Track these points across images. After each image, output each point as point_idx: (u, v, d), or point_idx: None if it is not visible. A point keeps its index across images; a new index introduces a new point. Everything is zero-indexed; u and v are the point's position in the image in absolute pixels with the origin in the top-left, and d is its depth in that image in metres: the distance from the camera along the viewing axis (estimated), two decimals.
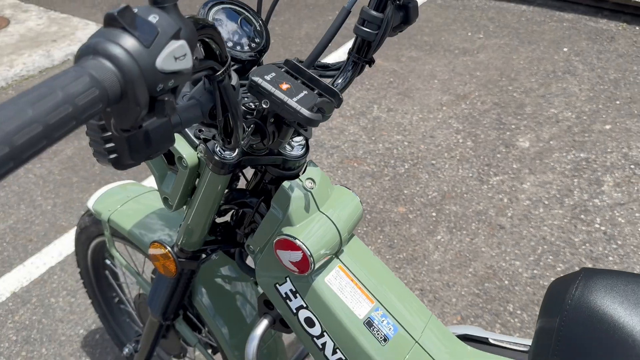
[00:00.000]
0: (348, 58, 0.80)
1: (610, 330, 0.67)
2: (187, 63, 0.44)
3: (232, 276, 1.15)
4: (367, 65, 0.80)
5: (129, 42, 0.41)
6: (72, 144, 2.66)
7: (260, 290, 1.12)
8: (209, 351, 1.28)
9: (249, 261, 0.96)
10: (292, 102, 0.64)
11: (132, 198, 1.21)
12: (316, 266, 0.81)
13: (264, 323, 0.92)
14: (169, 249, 0.94)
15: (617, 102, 2.95)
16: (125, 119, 0.43)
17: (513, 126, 2.77)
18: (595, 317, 0.67)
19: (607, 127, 2.76)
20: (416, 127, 2.78)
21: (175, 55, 0.43)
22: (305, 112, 0.64)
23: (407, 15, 0.81)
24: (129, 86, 0.40)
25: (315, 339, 0.86)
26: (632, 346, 0.66)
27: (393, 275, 0.91)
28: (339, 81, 0.80)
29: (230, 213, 0.96)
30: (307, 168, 0.84)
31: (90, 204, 1.23)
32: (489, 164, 2.51)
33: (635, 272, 1.04)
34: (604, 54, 3.43)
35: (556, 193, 2.33)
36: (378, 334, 0.84)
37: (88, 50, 0.41)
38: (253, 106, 0.70)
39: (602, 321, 0.66)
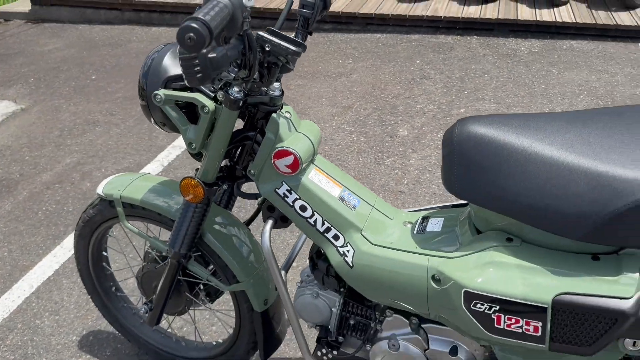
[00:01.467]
0: (296, 31, 1.26)
1: (498, 148, 1.07)
2: (252, 3, 0.90)
3: (226, 223, 1.53)
4: (308, 34, 1.28)
5: None
6: (7, 200, 2.82)
7: (257, 236, 1.52)
8: (207, 298, 1.62)
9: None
10: (284, 43, 1.10)
11: (135, 179, 1.55)
12: (303, 166, 1.25)
13: (269, 223, 1.33)
14: (198, 179, 1.31)
15: (466, 92, 3.72)
16: (231, 30, 0.87)
17: (392, 121, 3.40)
18: (482, 139, 1.09)
19: (462, 110, 3.49)
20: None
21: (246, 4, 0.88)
22: (292, 47, 1.09)
23: (325, 3, 1.30)
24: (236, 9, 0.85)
25: (308, 219, 1.29)
26: (521, 156, 1.09)
27: (348, 175, 1.36)
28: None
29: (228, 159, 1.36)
30: (283, 106, 1.28)
31: (99, 190, 1.55)
32: (381, 151, 3.08)
33: None
34: (448, 60, 4.25)
35: (435, 161, 2.95)
36: (348, 205, 1.28)
37: None
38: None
39: (489, 142, 1.08)
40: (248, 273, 1.48)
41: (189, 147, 1.29)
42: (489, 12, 4.77)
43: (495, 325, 1.10)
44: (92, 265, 1.77)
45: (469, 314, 1.12)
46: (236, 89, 1.17)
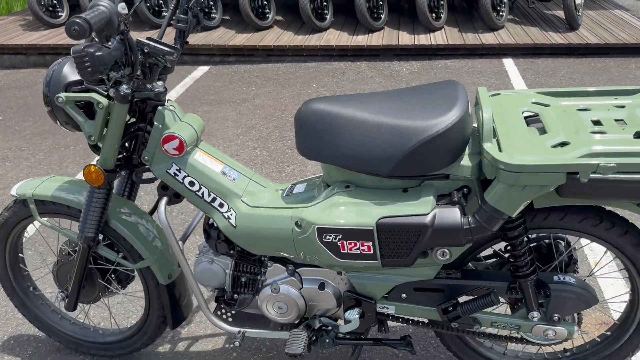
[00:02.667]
0: (175, 41, 1.57)
1: (331, 118, 1.39)
2: (125, 11, 1.20)
3: (130, 211, 1.77)
4: (185, 43, 1.59)
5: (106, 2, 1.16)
6: None
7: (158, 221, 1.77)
8: (118, 284, 1.85)
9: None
10: (159, 46, 1.40)
11: (45, 180, 1.77)
12: (188, 148, 1.54)
13: (164, 200, 1.60)
14: (99, 166, 1.56)
15: None
16: (109, 29, 1.17)
17: (292, 137, 3.76)
18: (320, 113, 1.41)
19: None
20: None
21: (121, 11, 1.18)
22: (166, 49, 1.40)
23: (198, 19, 1.63)
24: (112, 14, 1.15)
25: (196, 192, 1.57)
26: (346, 121, 1.41)
27: (229, 158, 1.67)
28: (174, 55, 1.57)
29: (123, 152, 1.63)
30: (167, 101, 1.58)
31: (13, 191, 1.75)
32: (282, 161, 3.42)
33: None
34: (341, 83, 4.71)
35: None
36: (229, 177, 1.58)
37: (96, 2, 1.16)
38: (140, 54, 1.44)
39: (325, 114, 1.41)
40: (151, 251, 1.72)
41: (89, 140, 1.55)
42: (375, 39, 5.33)
43: (341, 251, 1.43)
44: (9, 267, 1.94)
45: (322, 245, 1.44)
46: (124, 86, 1.46)
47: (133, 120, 1.61)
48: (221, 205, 1.57)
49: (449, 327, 1.60)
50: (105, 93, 1.51)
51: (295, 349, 1.52)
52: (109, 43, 1.36)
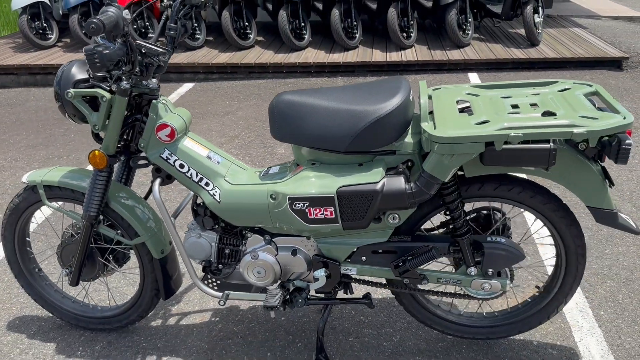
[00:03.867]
0: (166, 47, 1.86)
1: (299, 106, 1.69)
2: (129, 16, 1.48)
3: (127, 195, 2.04)
4: (175, 48, 1.88)
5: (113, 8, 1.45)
6: None
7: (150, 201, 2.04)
8: (116, 263, 2.10)
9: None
10: (154, 47, 1.69)
11: (52, 168, 2.03)
12: (178, 135, 1.82)
13: (158, 180, 1.87)
14: (102, 151, 1.83)
15: None
16: (116, 30, 1.45)
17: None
18: (290, 102, 1.70)
19: None
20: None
21: (125, 16, 1.47)
22: (160, 50, 1.69)
23: (186, 28, 1.92)
24: (118, 17, 1.44)
25: (186, 174, 1.84)
26: (311, 108, 1.72)
27: (215, 146, 1.95)
28: (167, 57, 1.85)
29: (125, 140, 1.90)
30: (160, 96, 1.86)
31: (24, 179, 2.00)
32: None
33: None
34: None
35: None
36: (213, 161, 1.86)
37: (106, 9, 1.45)
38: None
39: (294, 103, 1.71)
40: (146, 229, 1.98)
41: (94, 128, 1.82)
42: (350, 57, 5.68)
43: (309, 216, 1.71)
44: (18, 250, 2.18)
45: (292, 213, 1.72)
46: (124, 82, 1.74)
47: (128, 113, 1.89)
48: (207, 184, 1.84)
49: (402, 285, 1.88)
50: (108, 89, 1.79)
51: (272, 302, 1.79)
52: (115, 43, 1.64)
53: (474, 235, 1.82)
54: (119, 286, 2.52)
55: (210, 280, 2.01)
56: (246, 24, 6.16)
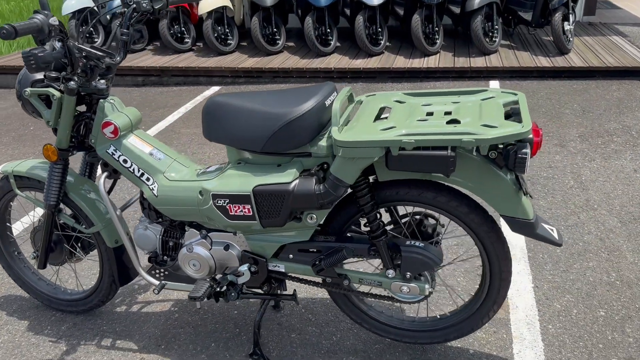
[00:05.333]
0: (119, 50, 2.01)
1: (226, 108, 1.79)
2: (56, 22, 1.64)
3: (88, 188, 2.20)
4: (128, 52, 2.03)
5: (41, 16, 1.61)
6: None
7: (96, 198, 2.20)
8: (82, 250, 2.28)
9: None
10: (94, 51, 1.84)
11: (24, 160, 2.23)
12: (121, 133, 1.96)
13: (104, 174, 2.03)
14: (54, 146, 2.01)
15: None
16: (41, 35, 1.61)
17: None
18: (219, 104, 1.81)
19: None
20: (196, 149, 4.03)
21: (52, 23, 1.63)
22: (99, 54, 1.84)
23: (142, 35, 2.07)
24: (43, 24, 1.60)
25: (129, 169, 1.98)
26: (236, 110, 1.84)
27: (163, 144, 2.08)
28: (118, 59, 2.00)
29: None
30: (109, 96, 2.01)
31: (0, 169, 2.22)
32: None
33: None
34: None
35: None
36: (155, 157, 1.99)
37: (33, 16, 1.60)
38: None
39: (222, 105, 1.82)
40: (101, 219, 2.14)
41: (47, 124, 2.00)
42: (372, 63, 5.72)
43: (229, 213, 1.81)
44: None
45: (216, 209, 1.82)
46: (72, 82, 1.90)
47: (82, 111, 2.06)
48: (148, 179, 1.98)
49: (330, 284, 1.94)
50: (59, 89, 1.96)
51: (196, 293, 1.89)
52: (46, 46, 1.81)
53: (393, 238, 1.86)
54: (92, 271, 2.71)
55: (157, 271, 2.14)
56: (275, 30, 6.33)
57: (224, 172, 1.85)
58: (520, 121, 1.59)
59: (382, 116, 1.83)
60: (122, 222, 2.13)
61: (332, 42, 6.19)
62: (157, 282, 2.09)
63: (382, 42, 6.06)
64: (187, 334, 2.28)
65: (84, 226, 2.19)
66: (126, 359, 2.16)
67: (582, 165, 3.53)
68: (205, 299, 1.97)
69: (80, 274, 2.71)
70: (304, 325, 2.27)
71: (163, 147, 2.06)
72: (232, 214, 1.81)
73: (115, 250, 2.19)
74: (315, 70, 5.74)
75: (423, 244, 1.81)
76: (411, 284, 1.84)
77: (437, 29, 5.89)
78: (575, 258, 2.59)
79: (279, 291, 2.07)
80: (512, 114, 1.71)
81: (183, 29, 6.58)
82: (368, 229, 1.83)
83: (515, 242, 2.73)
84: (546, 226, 1.76)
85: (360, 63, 5.75)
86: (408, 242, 1.83)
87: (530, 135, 1.57)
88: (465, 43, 6.34)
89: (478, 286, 1.94)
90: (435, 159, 1.54)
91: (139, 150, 1.99)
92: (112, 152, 1.99)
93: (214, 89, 5.85)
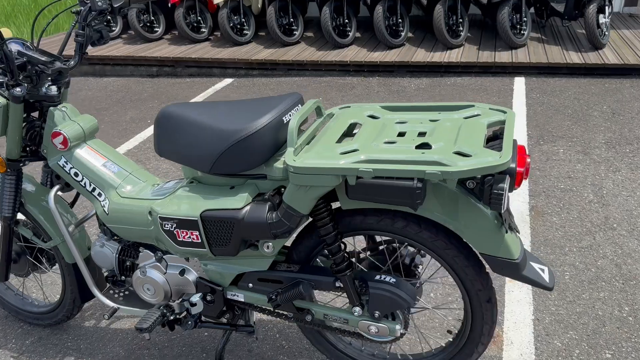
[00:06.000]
0: (74, 53, 1.84)
1: (176, 122, 1.59)
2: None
3: (47, 198, 2.06)
4: (84, 55, 1.85)
5: None
6: None
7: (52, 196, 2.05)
8: (48, 263, 2.14)
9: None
10: (37, 56, 1.68)
11: None
12: (72, 143, 1.80)
13: (56, 187, 1.88)
14: (3, 157, 1.87)
15: None
16: None
17: None
18: (170, 117, 1.62)
19: None
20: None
21: None
22: (43, 59, 1.68)
23: (102, 35, 1.89)
24: None
25: (80, 182, 1.83)
26: (186, 124, 1.62)
27: (121, 155, 1.91)
28: (72, 63, 1.84)
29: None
30: (63, 103, 1.85)
31: None
32: None
33: None
34: (346, 97, 4.88)
35: None
36: (108, 171, 1.83)
37: None
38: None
39: (172, 118, 1.63)
40: (59, 233, 2.00)
41: None
42: (390, 56, 5.45)
43: (177, 238, 1.63)
44: None
45: (164, 233, 1.65)
46: (17, 89, 1.75)
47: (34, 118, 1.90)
48: (100, 194, 1.82)
49: (294, 318, 1.74)
50: (5, 96, 1.81)
51: (143, 324, 1.73)
52: None
53: (361, 271, 1.65)
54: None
55: (115, 292, 1.99)
56: (292, 19, 6.10)
57: (175, 191, 1.67)
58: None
59: (355, 132, 1.61)
60: (79, 238, 1.98)
61: (351, 34, 5.92)
62: (112, 305, 1.94)
63: (403, 33, 5.76)
64: (152, 356, 2.13)
65: (43, 239, 2.06)
66: None
67: (605, 176, 3.21)
68: (163, 327, 1.81)
69: (52, 285, 2.59)
70: (275, 354, 2.09)
71: (120, 159, 1.90)
72: (180, 239, 1.63)
73: (75, 267, 2.05)
74: (330, 63, 5.50)
75: (395, 280, 1.60)
76: (380, 324, 1.63)
77: (461, 20, 5.56)
78: (585, 286, 2.33)
79: (242, 321, 1.89)
80: (500, 136, 1.46)
81: (199, 18, 6.43)
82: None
83: None
84: (536, 266, 1.52)
85: (378, 56, 5.48)
86: (378, 277, 1.61)
87: (512, 165, 1.34)
88: (492, 35, 5.98)
89: (462, 323, 1.72)
90: (399, 190, 1.32)
91: (90, 163, 1.82)
92: (62, 165, 1.83)
93: (227, 81, 5.69)
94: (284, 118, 1.56)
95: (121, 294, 1.99)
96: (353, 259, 1.74)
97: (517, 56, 5.18)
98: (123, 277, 1.93)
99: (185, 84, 5.69)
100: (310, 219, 1.67)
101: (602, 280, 2.36)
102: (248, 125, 1.51)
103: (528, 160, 1.40)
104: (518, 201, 2.99)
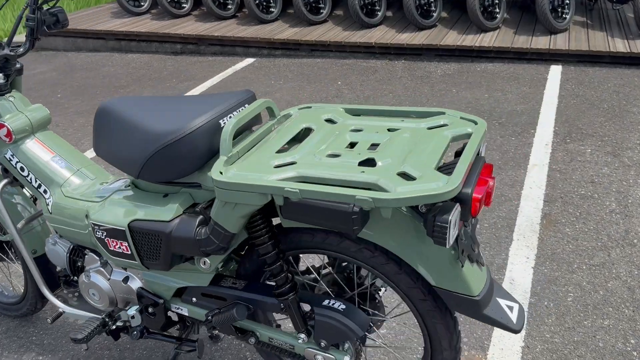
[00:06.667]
0: (26, 38, 1.72)
1: (116, 119, 1.43)
2: None
3: (10, 192, 1.97)
4: (36, 40, 1.72)
5: None
6: None
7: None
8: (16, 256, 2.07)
9: None
10: None
11: None
12: (17, 136, 1.69)
13: (3, 181, 1.78)
14: None
15: None
16: None
17: None
18: (104, 114, 1.46)
19: None
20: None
21: None
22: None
23: (58, 19, 1.75)
24: None
25: (26, 177, 1.72)
26: (117, 123, 1.45)
27: (73, 149, 1.78)
28: (21, 49, 1.71)
29: None
30: (13, 91, 1.73)
31: None
32: None
33: None
34: (366, 82, 4.64)
35: None
36: (55, 166, 1.70)
37: None
38: None
39: (114, 114, 1.46)
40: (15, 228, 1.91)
41: None
42: (418, 38, 5.14)
43: (109, 247, 1.49)
44: None
45: (97, 240, 1.52)
46: None
47: None
48: (45, 191, 1.70)
49: (238, 338, 1.60)
50: None
51: (77, 335, 1.62)
52: None
53: (310, 293, 1.47)
54: None
55: (67, 292, 1.89)
56: None
57: (110, 196, 1.54)
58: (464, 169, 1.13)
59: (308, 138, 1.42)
60: (38, 232, 1.89)
61: (380, 13, 5.63)
62: (61, 306, 1.84)
63: (435, 13, 5.43)
64: (112, 357, 2.04)
65: (3, 232, 1.98)
66: None
67: (633, 183, 2.89)
68: (108, 335, 1.70)
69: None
70: None
71: (71, 153, 1.77)
72: (112, 249, 1.50)
73: (36, 260, 1.96)
74: (354, 44, 5.25)
75: (345, 307, 1.42)
76: (327, 354, 1.45)
77: (497, 1, 5.17)
78: (589, 311, 2.07)
79: (194, 334, 1.75)
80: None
81: None
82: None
83: (519, 279, 2.23)
84: (504, 303, 1.31)
85: (405, 38, 5.18)
86: (326, 302, 1.44)
87: (466, 191, 1.12)
88: (533, 18, 5.56)
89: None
90: (334, 213, 1.13)
91: (37, 157, 1.71)
92: (9, 158, 1.73)
93: (248, 61, 5.53)
94: (221, 120, 1.39)
95: (75, 296, 1.89)
96: (314, 279, 1.57)
97: (555, 42, 4.78)
98: (76, 278, 1.83)
99: (206, 63, 5.57)
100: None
101: (609, 305, 2.10)
102: (178, 127, 1.35)
103: (491, 183, 1.18)
104: (530, 207, 2.72)
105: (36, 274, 1.84)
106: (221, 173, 1.23)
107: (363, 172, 1.15)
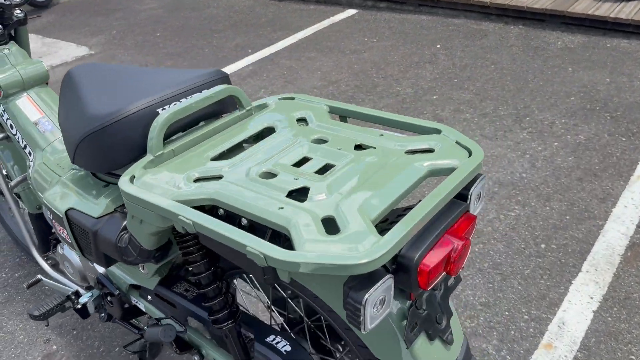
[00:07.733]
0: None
1: (74, 89, 1.24)
2: None
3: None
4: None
5: None
6: None
7: None
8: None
9: None
10: None
11: None
12: (8, 92, 1.60)
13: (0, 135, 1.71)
14: None
15: (455, 80, 3.61)
16: None
17: (360, 99, 3.48)
18: (73, 80, 1.24)
19: (434, 97, 3.43)
20: None
21: None
22: None
23: None
24: None
25: (15, 136, 1.64)
26: (76, 98, 1.28)
27: None
28: None
29: None
30: (10, 43, 1.63)
31: None
32: None
33: None
34: (469, 47, 4.10)
35: None
36: (40, 128, 1.60)
37: None
38: None
39: (75, 83, 1.24)
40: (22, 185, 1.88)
41: None
42: (541, 2, 4.42)
43: (57, 229, 1.36)
44: None
45: (50, 219, 1.39)
46: None
47: None
48: (30, 153, 1.61)
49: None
50: None
51: (34, 311, 1.54)
52: None
53: (255, 324, 1.24)
54: None
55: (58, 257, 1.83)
56: None
57: (66, 174, 1.39)
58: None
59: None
60: (31, 191, 1.84)
61: None
62: (48, 269, 1.79)
63: None
64: (77, 337, 1.99)
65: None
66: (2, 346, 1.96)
67: None
68: (76, 311, 1.62)
69: None
70: None
71: None
72: (58, 232, 1.36)
73: (34, 216, 1.94)
74: (467, 3, 4.65)
75: (289, 349, 1.17)
76: None
77: None
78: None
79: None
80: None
81: None
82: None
83: (571, 324, 1.81)
84: None
85: (527, 0, 4.48)
86: (270, 339, 1.20)
87: (412, 255, 0.80)
88: None
89: None
90: (244, 258, 0.88)
91: (24, 117, 1.62)
92: (1, 113, 1.65)
93: (350, 12, 5.16)
94: (160, 109, 1.15)
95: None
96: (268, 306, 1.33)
97: None
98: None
99: (307, 12, 5.30)
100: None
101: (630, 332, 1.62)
102: (111, 111, 1.14)
103: (456, 244, 0.84)
104: (617, 231, 2.20)
105: (25, 233, 1.80)
106: (134, 177, 1.01)
107: (282, 208, 0.87)
